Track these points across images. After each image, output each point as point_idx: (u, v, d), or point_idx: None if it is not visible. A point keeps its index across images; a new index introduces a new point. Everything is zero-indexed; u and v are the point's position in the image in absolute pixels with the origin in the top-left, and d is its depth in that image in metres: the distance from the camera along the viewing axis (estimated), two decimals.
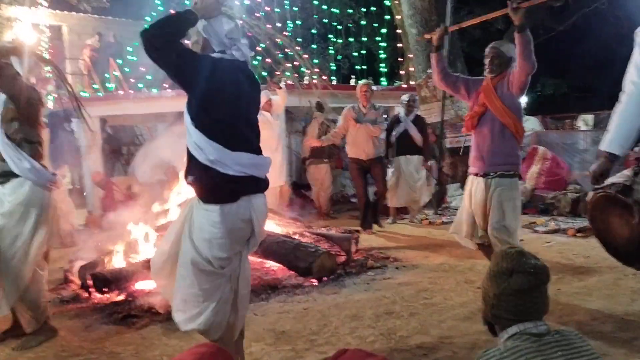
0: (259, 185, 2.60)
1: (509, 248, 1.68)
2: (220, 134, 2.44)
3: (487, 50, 3.95)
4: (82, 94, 9.71)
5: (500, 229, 3.78)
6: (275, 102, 7.09)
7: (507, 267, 1.60)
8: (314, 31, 12.41)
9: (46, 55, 12.84)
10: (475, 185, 3.95)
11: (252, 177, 2.53)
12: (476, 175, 3.96)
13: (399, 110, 7.61)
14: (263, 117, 6.92)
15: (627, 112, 2.40)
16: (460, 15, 12.85)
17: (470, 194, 3.98)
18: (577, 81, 19.01)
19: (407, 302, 4.02)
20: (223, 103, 2.46)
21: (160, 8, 10.29)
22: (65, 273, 4.99)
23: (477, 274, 4.63)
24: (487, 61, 3.93)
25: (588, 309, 3.69)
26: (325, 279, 4.64)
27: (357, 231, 5.89)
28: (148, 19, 10.62)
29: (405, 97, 7.34)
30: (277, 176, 7.11)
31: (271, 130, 6.98)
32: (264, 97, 6.89)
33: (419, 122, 7.29)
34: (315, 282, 4.57)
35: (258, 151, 2.60)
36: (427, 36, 4.15)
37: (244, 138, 2.54)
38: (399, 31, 10.66)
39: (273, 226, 5.68)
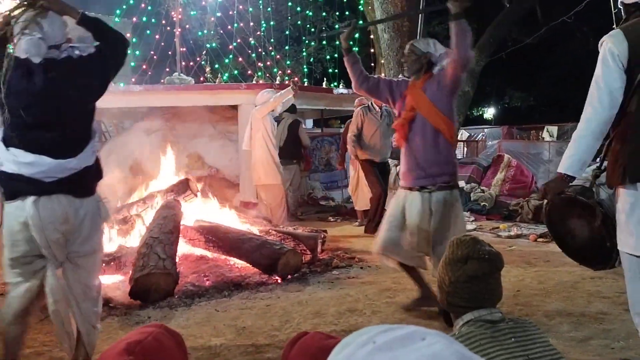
0: (39, 187, 2.43)
1: (463, 236, 1.69)
2: (2, 130, 2.46)
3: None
4: None
5: (440, 250, 3.32)
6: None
7: (462, 254, 1.61)
8: (287, 33, 12.43)
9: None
10: (410, 200, 3.51)
11: (28, 177, 2.41)
12: (410, 189, 3.53)
13: None
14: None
15: (585, 138, 2.43)
16: (431, 24, 13.06)
17: (404, 210, 3.54)
18: (543, 94, 19.51)
19: (370, 300, 4.03)
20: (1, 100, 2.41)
21: (132, 1, 10.14)
22: None
23: None
24: (403, 60, 3.62)
25: (546, 310, 3.76)
26: (289, 277, 4.61)
27: (324, 231, 5.87)
28: (118, 12, 10.44)
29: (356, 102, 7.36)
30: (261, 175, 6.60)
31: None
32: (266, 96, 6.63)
33: None
34: (279, 279, 4.54)
35: (50, 152, 2.44)
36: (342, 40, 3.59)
37: (25, 136, 2.43)
38: (372, 36, 10.76)
39: (237, 223, 5.62)
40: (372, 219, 6.67)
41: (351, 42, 3.78)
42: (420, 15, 7.52)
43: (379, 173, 6.75)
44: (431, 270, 3.61)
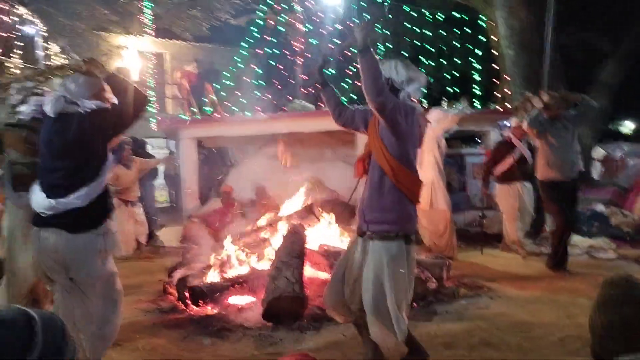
0: (44, 220, 2.83)
1: (615, 275, 1.55)
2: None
3: None
4: (180, 116, 10.29)
5: (375, 310, 2.82)
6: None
7: (615, 296, 1.47)
8: (404, 53, 12.39)
9: (151, 81, 13.85)
10: (355, 245, 3.04)
11: (36, 211, 2.86)
12: (358, 233, 3.04)
13: (504, 134, 7.13)
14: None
15: None
16: (562, 36, 12.29)
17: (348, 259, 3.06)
18: None
19: (503, 333, 3.82)
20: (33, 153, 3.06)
21: (256, 35, 10.74)
22: (164, 285, 5.24)
23: (580, 308, 4.28)
24: None
25: None
26: (415, 305, 4.51)
27: (451, 258, 5.67)
28: (245, 45, 11.11)
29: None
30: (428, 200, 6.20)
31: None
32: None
33: (531, 145, 6.74)
34: None
35: (53, 191, 2.80)
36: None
37: (39, 180, 2.90)
38: (495, 52, 10.41)
39: None
40: (555, 253, 5.83)
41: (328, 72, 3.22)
42: (548, 30, 7.13)
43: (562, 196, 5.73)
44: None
